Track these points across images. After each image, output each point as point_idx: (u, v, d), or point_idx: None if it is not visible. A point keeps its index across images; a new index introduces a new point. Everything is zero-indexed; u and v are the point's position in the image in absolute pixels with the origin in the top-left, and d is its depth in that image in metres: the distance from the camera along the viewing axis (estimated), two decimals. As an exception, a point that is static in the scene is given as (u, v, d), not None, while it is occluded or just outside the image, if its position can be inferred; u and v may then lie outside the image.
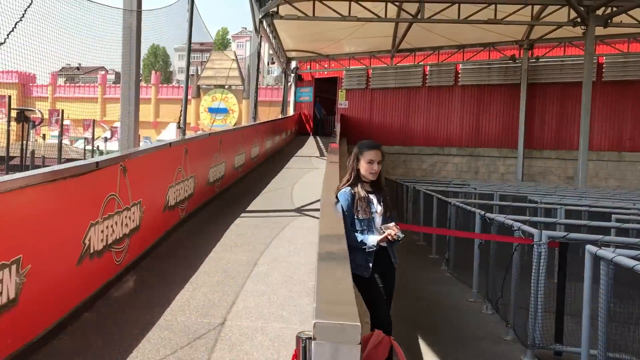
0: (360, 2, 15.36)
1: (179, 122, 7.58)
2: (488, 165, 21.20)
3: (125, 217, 5.31)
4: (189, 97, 45.00)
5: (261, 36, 14.97)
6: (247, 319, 4.51)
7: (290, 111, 24.16)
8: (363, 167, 3.65)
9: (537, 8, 15.98)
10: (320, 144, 19.81)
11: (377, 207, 3.64)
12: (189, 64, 8.33)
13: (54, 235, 4.03)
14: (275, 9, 15.00)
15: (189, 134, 41.18)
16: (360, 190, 3.62)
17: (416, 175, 20.50)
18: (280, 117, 21.52)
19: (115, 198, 5.06)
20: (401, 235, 3.44)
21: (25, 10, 4.50)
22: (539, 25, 17.50)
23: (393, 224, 3.50)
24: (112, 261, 5.05)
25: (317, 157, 16.64)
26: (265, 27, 16.60)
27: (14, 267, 3.51)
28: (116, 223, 5.08)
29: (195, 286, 5.16)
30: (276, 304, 4.84)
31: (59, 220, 4.11)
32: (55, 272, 4.04)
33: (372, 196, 3.65)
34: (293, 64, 24.57)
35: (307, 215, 8.29)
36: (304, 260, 6.07)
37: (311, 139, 21.95)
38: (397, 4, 15.97)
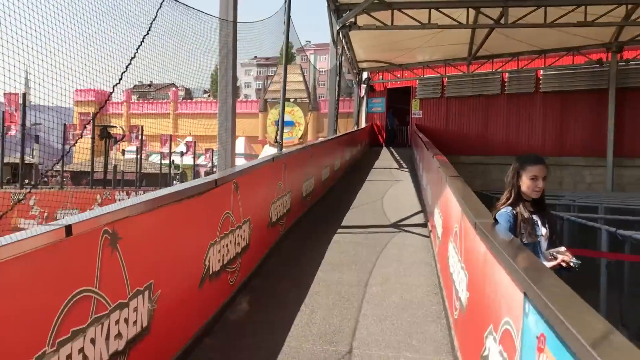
0: (440, 9, 14.87)
1: (275, 137, 7.37)
2: (573, 175, 20.08)
3: (238, 235, 5.12)
4: (257, 110, 45.66)
5: (342, 47, 14.74)
6: (376, 347, 4.18)
7: (363, 122, 23.81)
8: (525, 184, 3.24)
9: (628, 8, 14.99)
10: (396, 156, 19.37)
11: (542, 230, 3.22)
12: (285, 78, 8.12)
13: (179, 257, 3.84)
14: (353, 20, 14.75)
15: (256, 147, 41.40)
16: (523, 211, 3.21)
17: (496, 186, 19.65)
18: (355, 128, 21.22)
19: (230, 216, 4.87)
20: (577, 262, 3.01)
21: (150, 24, 4.43)
22: (632, 25, 16.43)
23: (564, 248, 3.08)
24: (227, 282, 4.85)
25: (396, 169, 16.23)
26: (340, 38, 16.40)
27: (146, 293, 3.32)
28: (230, 242, 4.89)
29: (311, 309, 4.89)
30: (401, 330, 4.49)
31: (184, 241, 3.93)
32: (181, 297, 3.85)
33: (535, 217, 3.24)
34: (364, 75, 24.26)
35: (405, 231, 7.91)
36: (417, 282, 5.70)
37: (385, 150, 21.54)
38: (478, 10, 15.37)
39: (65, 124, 20.92)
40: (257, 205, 5.90)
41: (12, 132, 20.42)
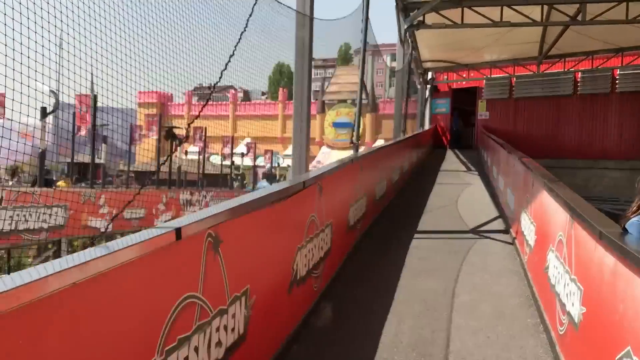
0: (513, 7, 14.29)
1: (351, 138, 7.20)
2: (654, 180, 18.95)
3: (321, 239, 4.96)
4: (314, 112, 45.73)
5: (412, 47, 14.43)
6: (473, 362, 3.92)
7: (426, 124, 23.31)
8: (661, 191, 2.93)
9: None
10: (462, 158, 18.86)
11: (681, 242, 2.89)
12: (362, 75, 7.93)
13: (271, 262, 3.72)
14: (421, 18, 14.37)
15: (312, 149, 41.36)
16: (658, 221, 2.90)
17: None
18: (420, 130, 20.79)
19: (315, 219, 4.72)
20: None
21: (247, 21, 4.35)
22: None
23: None
24: (312, 288, 4.70)
25: (464, 171, 15.78)
26: (407, 37, 16.04)
27: (243, 299, 3.20)
28: (315, 246, 4.74)
29: (399, 318, 4.66)
30: (498, 344, 4.21)
31: (275, 245, 3.80)
32: (273, 302, 3.72)
33: (673, 227, 2.91)
34: (429, 75, 23.73)
35: (486, 237, 7.57)
36: (507, 291, 5.39)
37: (450, 153, 21.02)
38: (551, 6, 14.67)
39: (131, 125, 21.47)
40: (338, 208, 5.73)
41: (82, 133, 21.11)
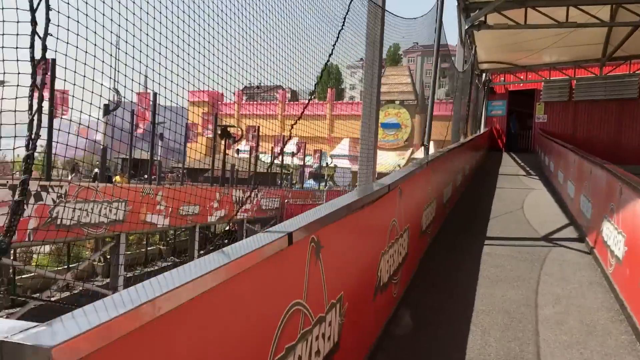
0: (580, 7, 13.75)
1: (422, 140, 7.01)
2: None
3: (400, 245, 4.81)
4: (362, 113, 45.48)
5: (475, 47, 14.10)
6: (569, 380, 3.70)
7: (482, 126, 22.75)
8: None
9: None
10: (520, 162, 18.33)
11: None
12: (435, 79, 7.75)
13: (360, 268, 3.61)
14: (482, 19, 14.00)
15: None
16: None
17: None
18: (477, 132, 20.29)
19: (395, 224, 4.57)
20: None
21: (344, 18, 4.26)
22: None
23: None
24: (391, 294, 4.56)
25: (524, 175, 15.32)
26: (466, 38, 15.66)
27: (338, 306, 3.10)
28: (395, 252, 4.60)
29: (482, 329, 4.47)
30: (594, 362, 3.96)
31: (363, 250, 3.68)
32: (360, 309, 3.61)
33: None
34: (484, 76, 23.17)
35: (560, 246, 7.25)
36: (594, 304, 5.11)
37: (506, 156, 20.46)
38: (623, 6, 14.04)
39: (187, 123, 21.78)
40: (414, 213, 5.58)
41: (140, 130, 21.52)
